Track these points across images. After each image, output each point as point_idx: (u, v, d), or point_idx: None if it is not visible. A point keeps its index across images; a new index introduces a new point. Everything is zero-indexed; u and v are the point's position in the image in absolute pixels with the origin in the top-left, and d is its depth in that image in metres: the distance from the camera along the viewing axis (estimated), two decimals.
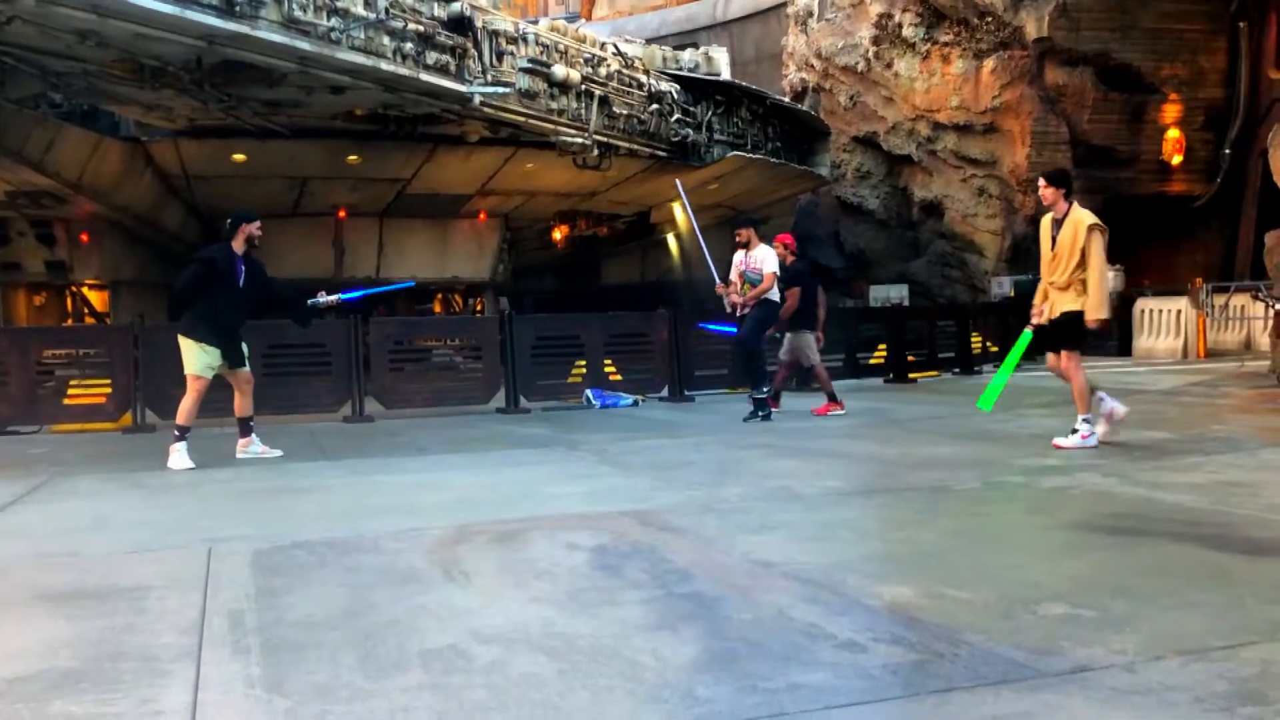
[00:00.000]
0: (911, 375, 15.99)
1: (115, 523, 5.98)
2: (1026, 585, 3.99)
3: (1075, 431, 7.98)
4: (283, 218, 20.31)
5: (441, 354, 15.34)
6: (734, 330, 11.31)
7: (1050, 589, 3.92)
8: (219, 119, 15.75)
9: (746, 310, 10.79)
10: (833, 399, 11.41)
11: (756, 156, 22.04)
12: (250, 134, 16.69)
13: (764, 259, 10.81)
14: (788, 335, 11.78)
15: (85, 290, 22.42)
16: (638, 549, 4.81)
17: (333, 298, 9.06)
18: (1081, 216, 8.07)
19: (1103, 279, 8.01)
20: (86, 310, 22.81)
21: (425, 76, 13.77)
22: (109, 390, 11.75)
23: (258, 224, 8.64)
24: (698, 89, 20.80)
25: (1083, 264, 7.98)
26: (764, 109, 23.17)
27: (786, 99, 27.35)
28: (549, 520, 5.58)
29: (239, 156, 17.67)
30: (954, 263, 27.61)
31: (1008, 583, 4.03)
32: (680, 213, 23.20)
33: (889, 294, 26.83)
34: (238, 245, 8.55)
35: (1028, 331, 8.50)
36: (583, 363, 13.38)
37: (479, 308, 25.40)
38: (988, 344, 18.74)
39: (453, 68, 14.27)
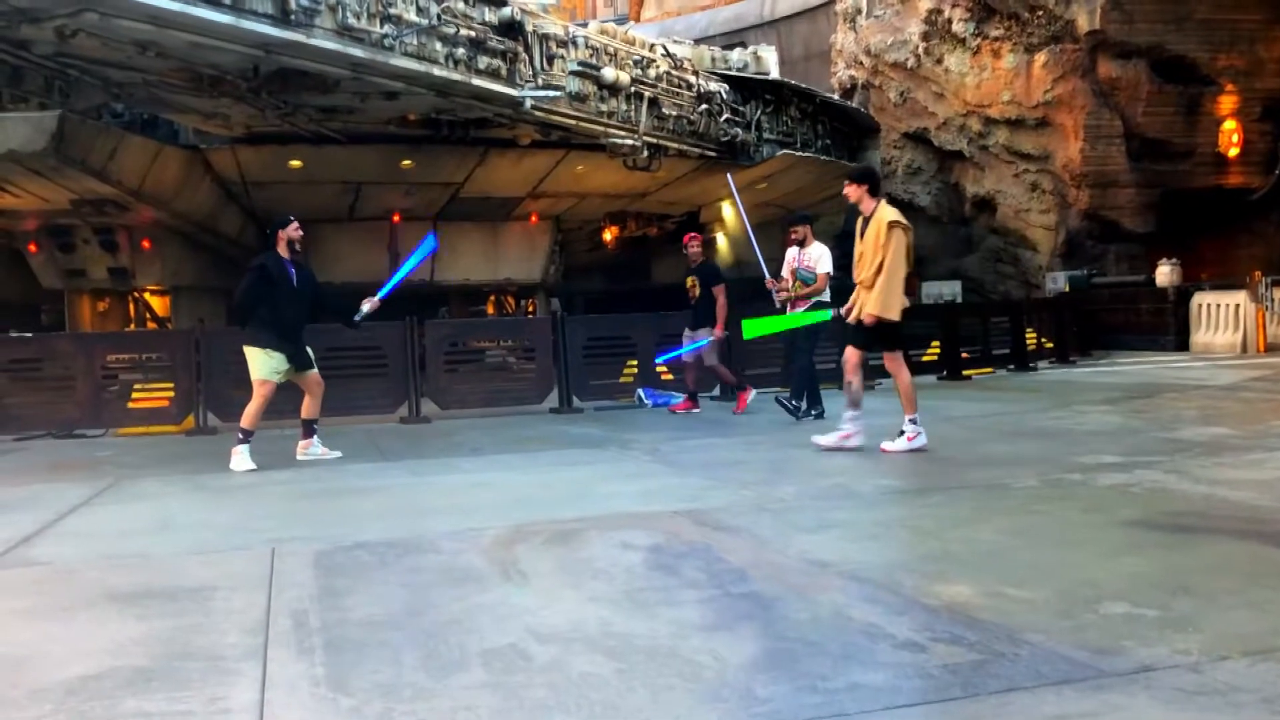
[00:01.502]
0: (966, 372, 15.82)
1: (180, 524, 6.08)
2: (1087, 584, 3.93)
3: (902, 434, 7.86)
4: (338, 222, 20.56)
5: (495, 355, 15.43)
6: (698, 345, 11.54)
7: (1111, 588, 3.86)
8: (275, 126, 15.95)
9: (796, 309, 10.72)
10: (692, 399, 11.79)
11: (806, 154, 21.95)
12: (306, 140, 16.89)
13: (819, 257, 10.63)
14: (691, 334, 11.85)
15: (147, 295, 22.81)
16: (693, 548, 4.81)
17: (375, 301, 9.15)
18: (884, 214, 7.95)
19: (892, 277, 7.83)
20: (148, 315, 23.20)
21: (477, 81, 13.86)
22: (172, 394, 11.92)
23: (295, 226, 8.78)
24: (746, 88, 20.74)
25: (883, 261, 7.84)
26: (813, 107, 23.06)
27: (835, 96, 27.20)
28: (604, 520, 5.59)
29: (295, 162, 17.88)
30: (1007, 258, 27.31)
31: (1067, 581, 3.98)
32: (730, 210, 23.16)
33: (942, 291, 26.58)
34: (282, 250, 8.69)
35: (826, 313, 8.47)
36: (634, 362, 13.38)
37: (531, 309, 25.52)
38: (1043, 340, 18.51)
39: (504, 72, 14.35)
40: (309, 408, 8.91)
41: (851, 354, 8.14)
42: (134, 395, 12.11)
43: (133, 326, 22.54)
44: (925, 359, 16.12)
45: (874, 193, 8.15)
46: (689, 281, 11.97)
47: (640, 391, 12.98)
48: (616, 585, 4.21)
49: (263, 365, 8.51)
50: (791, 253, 10.82)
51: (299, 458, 8.79)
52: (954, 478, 6.64)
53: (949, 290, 26.58)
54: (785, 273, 10.86)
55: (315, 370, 8.89)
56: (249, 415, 8.52)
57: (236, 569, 4.76)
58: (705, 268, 11.99)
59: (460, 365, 13.58)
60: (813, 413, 10.62)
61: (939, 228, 29.24)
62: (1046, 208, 25.83)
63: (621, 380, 13.40)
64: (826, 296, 10.71)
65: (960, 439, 8.68)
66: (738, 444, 8.86)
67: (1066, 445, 7.87)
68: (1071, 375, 16.04)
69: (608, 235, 24.81)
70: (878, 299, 7.85)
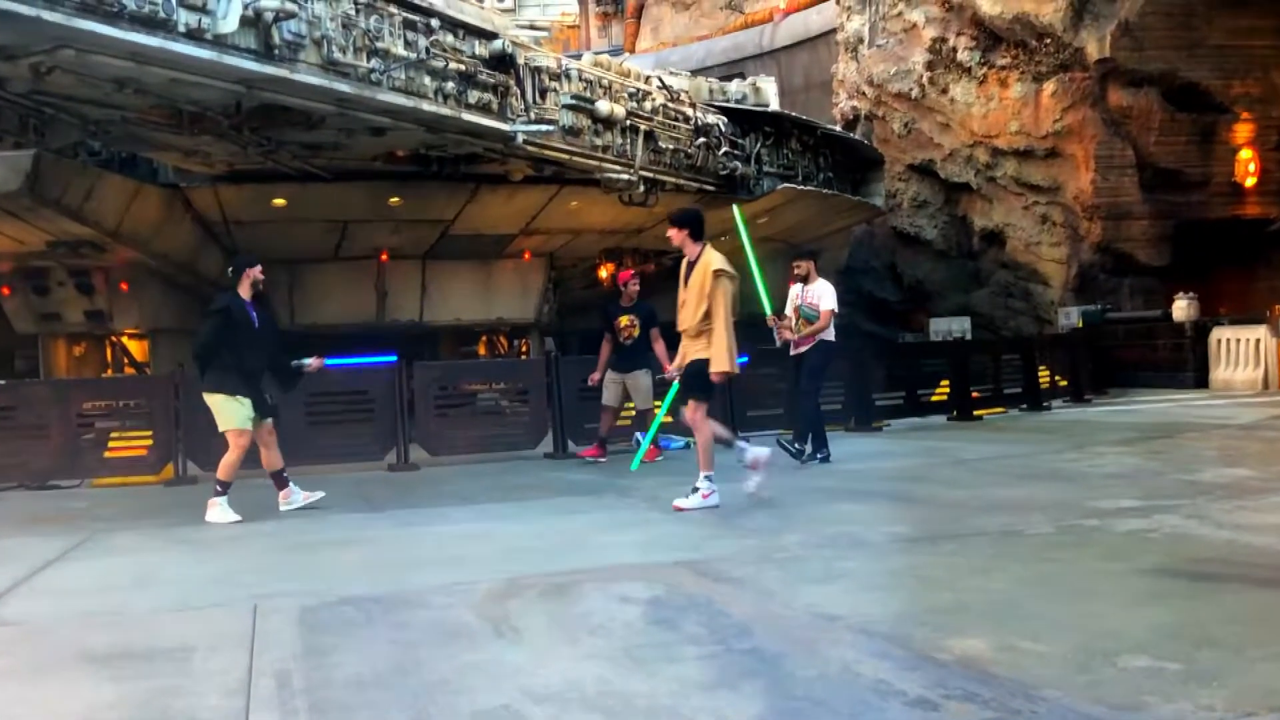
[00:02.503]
0: (976, 412, 15.83)
1: (158, 579, 6.06)
2: (1105, 636, 3.92)
3: (696, 490, 7.81)
4: (324, 262, 20.58)
5: (487, 398, 15.42)
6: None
7: (1131, 640, 3.85)
8: (258, 163, 16.00)
9: (801, 349, 10.75)
10: (602, 445, 11.92)
11: (808, 188, 22.02)
12: (290, 178, 16.95)
13: (822, 294, 10.69)
14: (620, 376, 11.92)
15: (125, 339, 22.81)
16: (694, 602, 4.79)
17: (317, 361, 9.14)
18: (710, 260, 7.87)
19: (726, 328, 7.76)
20: (126, 360, 23.18)
21: (467, 116, 13.93)
22: (150, 442, 11.88)
23: (259, 268, 8.80)
24: (746, 120, 20.85)
25: (711, 313, 7.78)
26: (814, 139, 23.17)
27: (838, 128, 27.34)
28: (601, 572, 5.58)
29: (279, 201, 17.94)
30: (1018, 293, 27.37)
31: (1085, 633, 3.97)
32: (727, 244, 23.25)
33: (950, 327, 26.60)
34: (245, 291, 8.69)
35: (676, 383, 8.35)
36: (631, 404, 13.40)
37: (524, 349, 25.52)
38: (1056, 378, 18.53)
39: (495, 106, 14.43)
40: (269, 459, 8.85)
41: (694, 409, 8.01)
42: (111, 444, 12.06)
43: (110, 372, 22.54)
44: (934, 399, 16.14)
45: (696, 237, 8.08)
46: (624, 320, 11.99)
47: (638, 435, 12.96)
48: (614, 641, 4.19)
49: (234, 414, 8.48)
50: (795, 290, 10.88)
51: (282, 509, 8.77)
52: (966, 524, 6.62)
53: (958, 327, 26.61)
54: (789, 310, 10.91)
55: (270, 420, 8.81)
56: (226, 467, 8.49)
57: (217, 627, 4.74)
58: (644, 308, 12.09)
59: (450, 409, 13.57)
60: (818, 456, 10.61)
61: (946, 262, 29.33)
62: (1058, 240, 25.93)
63: (618, 424, 13.39)
64: (831, 334, 10.75)
65: (972, 482, 8.67)
66: (740, 490, 8.83)
67: (1082, 489, 7.86)
68: (1087, 414, 16.05)
69: (603, 272, 24.87)
70: (719, 355, 7.75)
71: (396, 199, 18.32)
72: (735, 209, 13.13)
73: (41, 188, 14.83)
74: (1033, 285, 26.88)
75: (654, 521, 7.41)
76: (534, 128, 14.96)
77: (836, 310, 10.68)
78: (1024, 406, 16.91)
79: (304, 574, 5.99)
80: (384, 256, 21.13)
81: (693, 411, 8.04)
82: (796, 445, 10.62)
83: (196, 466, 11.55)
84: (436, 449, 12.63)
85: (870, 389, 15.09)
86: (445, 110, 13.59)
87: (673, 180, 18.69)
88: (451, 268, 21.91)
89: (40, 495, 11.00)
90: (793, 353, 10.87)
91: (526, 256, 22.76)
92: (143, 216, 17.33)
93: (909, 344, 25.51)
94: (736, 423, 13.48)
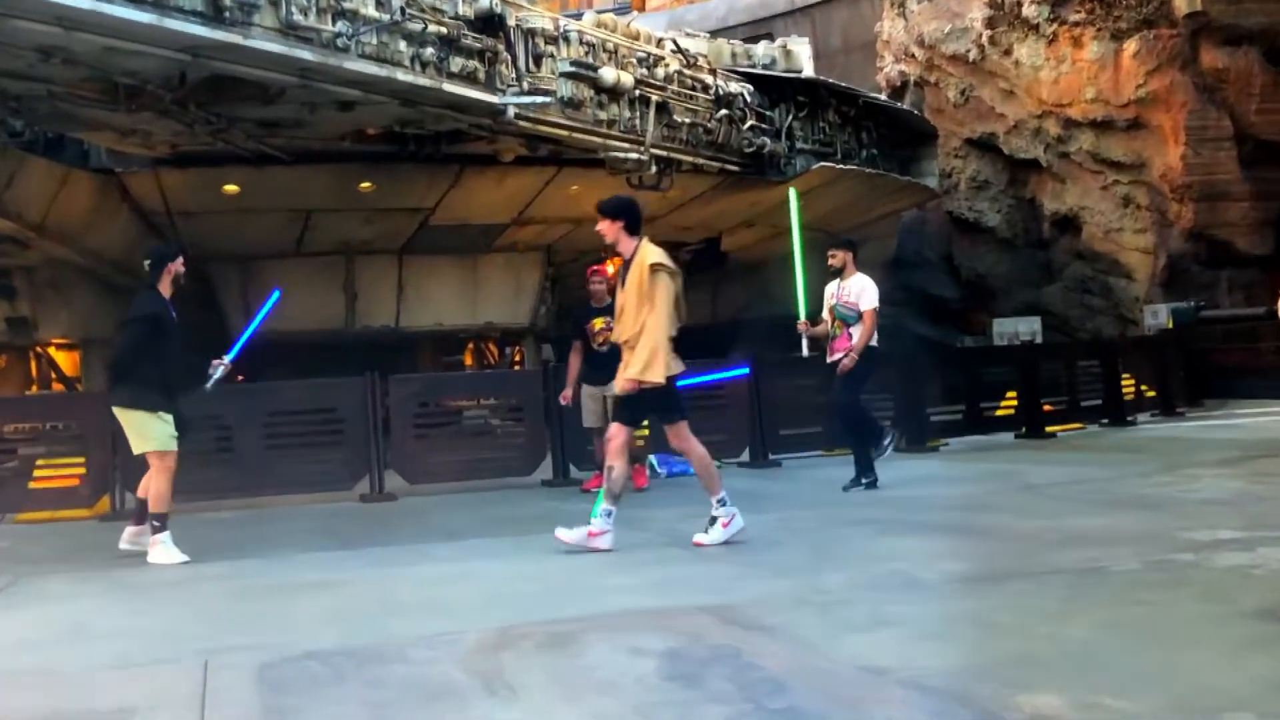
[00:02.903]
0: (1049, 429, 15.81)
1: (94, 631, 6.08)
2: (1204, 690, 3.91)
3: (714, 521, 7.77)
4: (284, 258, 20.64)
5: (475, 416, 15.45)
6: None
7: (1233, 695, 3.83)
8: (206, 144, 16.05)
9: (838, 355, 10.57)
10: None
11: (849, 167, 22.04)
12: (244, 160, 16.99)
13: (862, 290, 10.53)
14: (598, 390, 11.55)
15: (52, 350, 22.88)
16: (718, 654, 4.78)
17: (224, 361, 8.94)
18: (646, 255, 7.83)
19: (660, 331, 7.71)
20: (54, 375, 23.27)
21: (449, 87, 13.97)
22: (83, 470, 11.91)
23: (181, 260, 8.78)
24: (775, 89, 20.88)
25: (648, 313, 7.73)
26: (856, 110, 23.19)
27: (883, 97, 27.37)
28: (609, 619, 5.58)
29: (231, 188, 18.00)
30: (1096, 289, 27.34)
31: (1180, 687, 3.96)
32: (751, 235, 23.25)
33: (1017, 329, 26.58)
34: (165, 289, 8.67)
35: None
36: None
37: (518, 359, 25.55)
38: (1143, 388, 18.48)
39: (482, 75, 14.46)
40: (148, 487, 8.64)
41: (617, 432, 7.96)
42: (36, 473, 12.10)
43: (35, 389, 22.61)
44: (999, 413, 16.13)
45: (632, 230, 7.98)
46: (597, 323, 11.87)
47: (652, 458, 12.98)
48: (625, 700, 4.19)
49: (157, 432, 8.44)
50: (831, 287, 10.76)
51: (123, 547, 8.65)
52: (1037, 560, 6.61)
53: (1026, 329, 26.59)
54: (825, 313, 10.80)
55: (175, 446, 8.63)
56: (158, 497, 8.46)
57: (162, 686, 4.75)
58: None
59: (432, 430, 13.60)
60: (862, 481, 10.58)
61: (1012, 253, 29.30)
62: (1142, 226, 25.88)
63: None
64: (875, 339, 10.60)
65: (1044, 511, 8.65)
66: (772, 522, 8.83)
67: (1175, 518, 7.84)
68: (1179, 430, 16.01)
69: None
70: (643, 358, 7.69)
71: (368, 184, 18.36)
72: (791, 191, 13.04)
73: None
74: (1113, 279, 26.83)
75: (672, 559, 7.41)
76: (527, 100, 14.99)
77: (878, 307, 10.55)
78: (1105, 421, 16.88)
79: (262, 624, 6.00)
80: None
81: (673, 436, 8.02)
82: (864, 480, 10.54)
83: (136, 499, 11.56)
84: (415, 476, 12.66)
85: (924, 403, 15.08)
86: (424, 80, 13.61)
87: (690, 159, 18.70)
88: (432, 264, 21.94)
89: None
90: (830, 359, 10.77)
91: (520, 250, 22.78)
92: (72, 207, 17.39)
93: (969, 349, 25.50)
94: (768, 444, 13.51)
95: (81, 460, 11.98)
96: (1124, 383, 17.73)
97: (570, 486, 12.41)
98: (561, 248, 23.38)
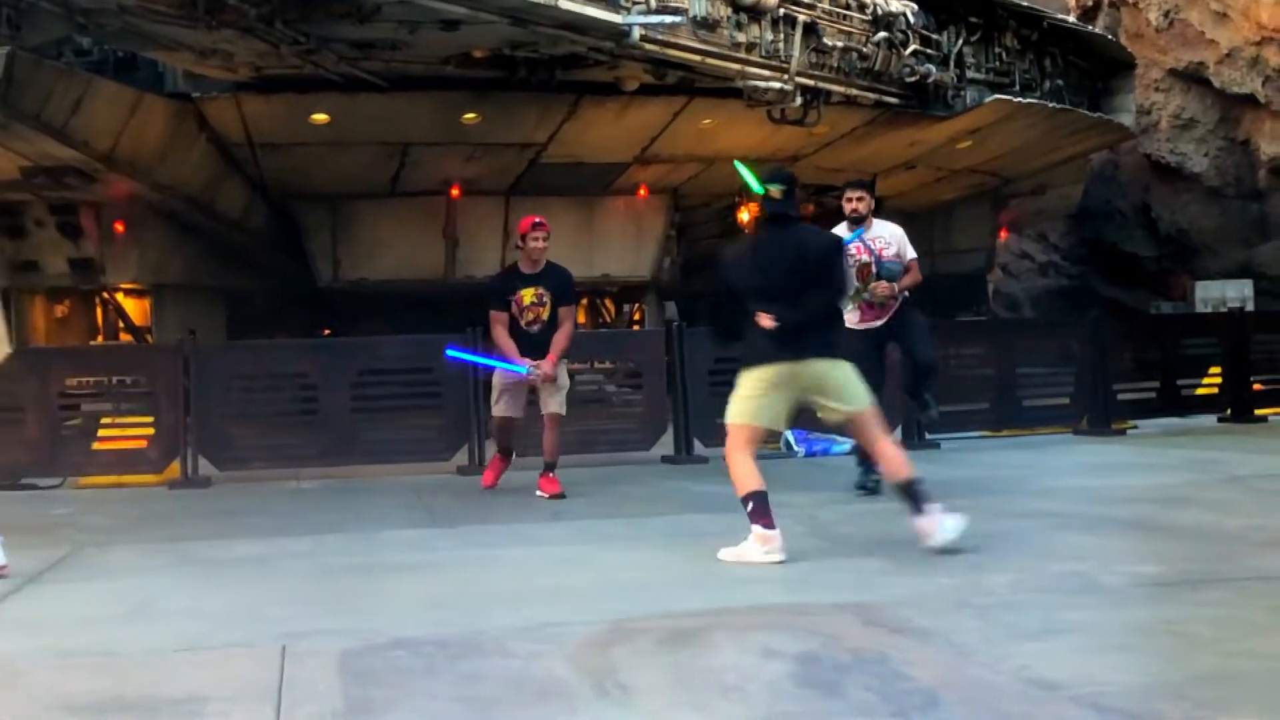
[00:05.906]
0: (1259, 411, 15.51)
1: (161, 610, 6.22)
2: None
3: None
4: (377, 198, 20.91)
5: (587, 382, 15.51)
6: (523, 371, 10.29)
7: None
8: (294, 67, 16.25)
9: (884, 319, 9.95)
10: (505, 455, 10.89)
11: (1029, 100, 21.66)
12: (334, 86, 17.18)
13: (897, 239, 10.00)
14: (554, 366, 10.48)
15: (120, 297, 23.37)
16: (861, 658, 4.77)
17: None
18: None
19: None
20: (121, 324, 23.74)
21: (566, 4, 13.97)
22: (151, 431, 12.11)
23: None
24: (943, 8, 20.57)
25: None
26: (1038, 34, 22.77)
27: (1071, 19, 26.85)
28: (737, 615, 5.59)
29: (320, 117, 18.23)
30: None
31: None
32: (909, 179, 22.95)
33: (1225, 293, 26.03)
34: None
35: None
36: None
37: (637, 317, 25.61)
38: None
39: None
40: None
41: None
42: (101, 433, 12.34)
43: (100, 339, 23.10)
44: (1200, 392, 15.81)
45: None
46: (527, 295, 10.59)
47: (788, 435, 12.92)
48: (754, 708, 4.20)
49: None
50: (852, 239, 9.79)
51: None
52: (1241, 564, 6.50)
53: (1235, 293, 26.01)
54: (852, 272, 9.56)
55: None
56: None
57: (235, 673, 4.85)
58: (556, 275, 10.92)
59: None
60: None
61: (1221, 204, 28.65)
62: None
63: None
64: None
65: (1250, 508, 8.50)
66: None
67: None
68: None
69: (744, 215, 24.79)
70: None
71: (472, 115, 18.47)
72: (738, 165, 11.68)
73: (15, 97, 15.22)
74: None
75: (810, 551, 7.37)
76: (655, 19, 14.93)
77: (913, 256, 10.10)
78: None
79: (347, 607, 6.10)
80: (455, 191, 21.34)
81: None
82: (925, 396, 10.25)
83: (210, 464, 11.80)
84: (520, 447, 12.74)
85: (1110, 378, 14.81)
86: None
87: (842, 89, 18.51)
88: (543, 207, 21.98)
89: (11, 497, 11.24)
90: (868, 325, 9.89)
91: (642, 193, 22.78)
92: (145, 136, 17.73)
93: (1166, 316, 25.02)
94: (921, 423, 13.36)
95: (150, 420, 12.16)
96: None
97: (695, 464, 12.40)
98: (689, 191, 23.33)
